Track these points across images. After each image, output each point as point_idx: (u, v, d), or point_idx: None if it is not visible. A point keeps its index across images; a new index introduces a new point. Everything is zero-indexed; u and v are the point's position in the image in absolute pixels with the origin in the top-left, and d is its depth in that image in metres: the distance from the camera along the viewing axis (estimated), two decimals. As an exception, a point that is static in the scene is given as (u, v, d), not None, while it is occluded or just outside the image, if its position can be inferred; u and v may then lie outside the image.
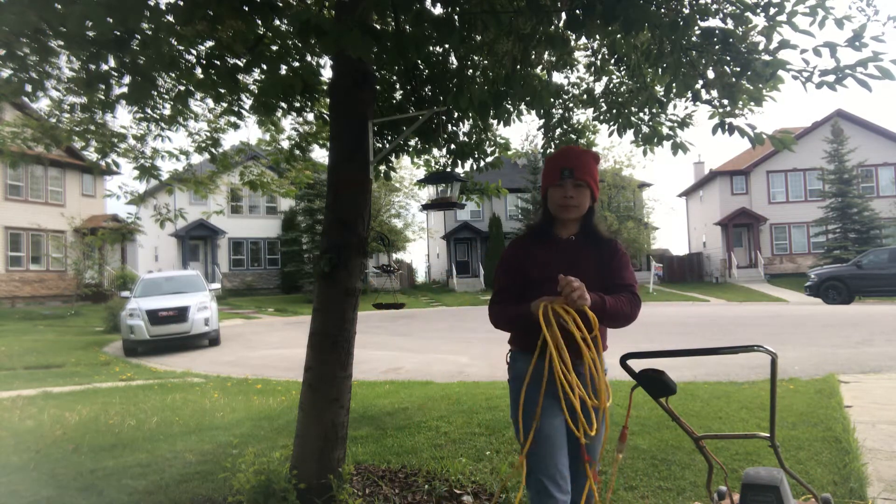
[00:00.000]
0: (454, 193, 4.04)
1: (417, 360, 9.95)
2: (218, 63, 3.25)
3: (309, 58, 3.88)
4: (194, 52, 3.58)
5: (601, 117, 4.44)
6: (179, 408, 6.44)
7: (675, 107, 3.97)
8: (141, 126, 4.91)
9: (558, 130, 4.75)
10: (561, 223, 2.25)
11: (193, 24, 3.04)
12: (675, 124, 4.08)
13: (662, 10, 2.81)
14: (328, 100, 4.01)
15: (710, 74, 3.23)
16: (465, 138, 4.57)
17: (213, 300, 13.76)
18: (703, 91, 3.35)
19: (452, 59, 3.88)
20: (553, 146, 4.76)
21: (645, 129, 4.16)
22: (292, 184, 6.44)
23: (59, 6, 2.46)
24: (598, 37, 3.76)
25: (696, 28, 3.00)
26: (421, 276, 39.24)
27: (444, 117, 4.23)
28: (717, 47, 3.00)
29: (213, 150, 5.45)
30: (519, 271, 2.20)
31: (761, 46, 2.99)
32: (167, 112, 4.70)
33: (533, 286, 2.15)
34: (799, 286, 23.51)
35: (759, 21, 3.00)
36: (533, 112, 4.38)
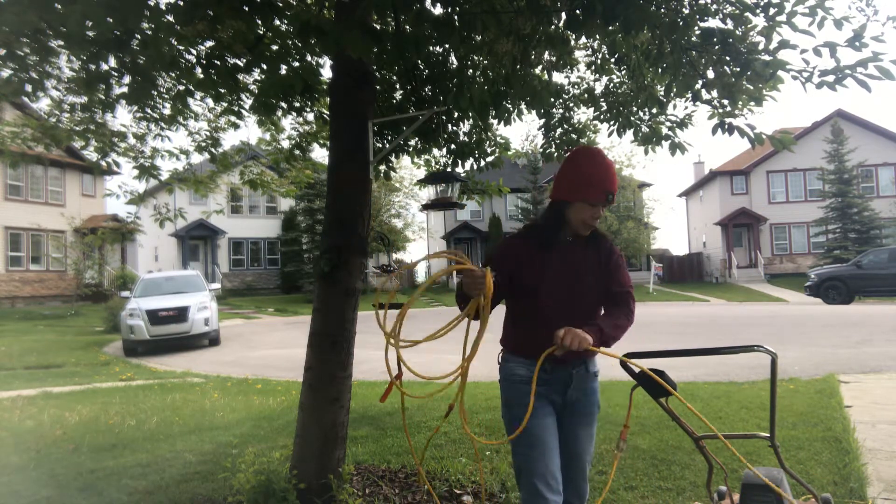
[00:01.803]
0: (454, 193, 4.04)
1: (418, 360, 9.90)
2: (218, 63, 3.25)
3: (309, 58, 3.88)
4: (194, 52, 3.58)
5: (601, 117, 4.44)
6: (179, 408, 6.44)
7: (674, 107, 3.97)
8: (141, 125, 4.91)
9: (558, 130, 4.76)
10: (567, 229, 2.19)
11: (193, 24, 3.04)
12: (674, 124, 4.08)
13: (662, 11, 2.81)
14: (328, 100, 4.01)
15: (710, 74, 3.22)
16: (465, 138, 4.57)
17: (213, 300, 13.76)
18: (702, 91, 3.35)
19: (452, 59, 3.87)
20: (553, 146, 4.76)
21: (644, 128, 4.16)
22: (292, 183, 6.44)
23: (59, 6, 2.46)
24: (598, 37, 3.76)
25: (696, 28, 3.00)
26: (421, 276, 39.22)
27: (444, 117, 4.22)
28: (716, 47, 3.00)
29: (213, 149, 5.45)
30: (511, 269, 2.13)
31: (761, 46, 2.99)
32: (167, 112, 4.70)
33: (527, 290, 2.12)
34: (799, 286, 23.50)
35: (759, 21, 3.00)
36: (533, 112, 4.39)
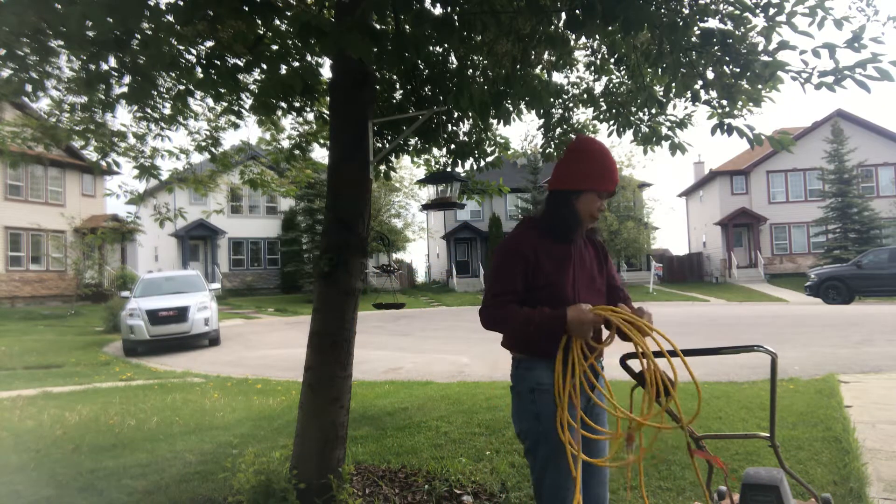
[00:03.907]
0: (454, 193, 4.04)
1: (417, 360, 9.95)
2: (218, 63, 3.24)
3: (309, 58, 3.88)
4: (194, 52, 3.58)
5: (601, 117, 4.44)
6: (179, 408, 6.44)
7: (674, 107, 3.98)
8: (141, 125, 4.91)
9: (558, 130, 4.76)
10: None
11: (193, 24, 3.04)
12: (674, 124, 4.08)
13: (662, 11, 2.81)
14: (328, 99, 4.01)
15: (710, 75, 3.23)
16: (465, 138, 4.58)
17: (213, 300, 13.76)
18: (702, 91, 3.35)
19: (452, 59, 3.88)
20: (553, 146, 4.76)
21: (644, 129, 4.17)
22: (292, 183, 6.44)
23: (59, 6, 2.46)
24: (597, 37, 3.76)
25: (696, 29, 3.01)
26: (421, 276, 39.23)
27: (444, 117, 4.23)
28: (716, 48, 3.00)
29: (213, 149, 5.45)
30: (531, 270, 1.98)
31: (760, 47, 2.99)
32: (167, 111, 4.70)
33: (553, 288, 1.98)
34: (799, 286, 23.50)
35: (759, 22, 3.01)
36: (533, 112, 4.39)
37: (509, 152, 5.13)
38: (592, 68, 4.26)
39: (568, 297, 1.99)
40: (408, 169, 25.39)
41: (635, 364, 2.17)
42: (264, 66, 3.24)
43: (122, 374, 9.52)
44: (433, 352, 10.69)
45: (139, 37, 2.74)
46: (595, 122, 4.63)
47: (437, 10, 2.82)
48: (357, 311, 3.48)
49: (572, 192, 2.05)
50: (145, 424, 5.67)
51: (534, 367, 2.02)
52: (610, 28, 2.72)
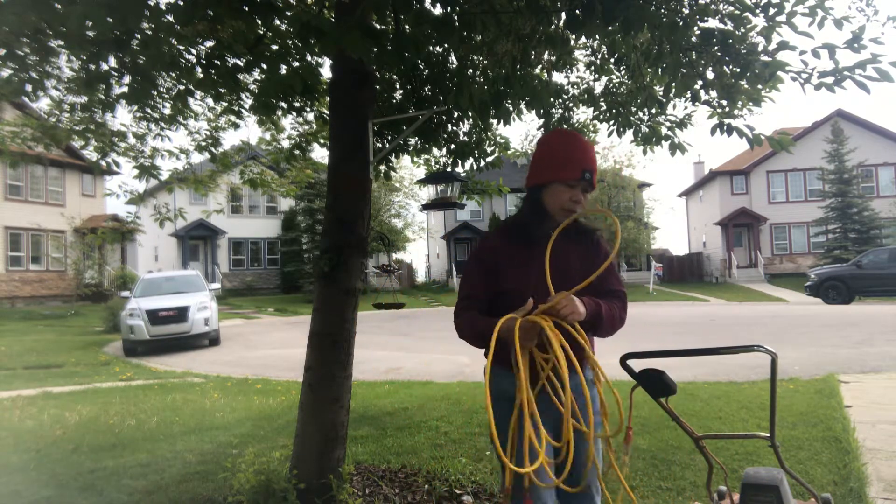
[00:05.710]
0: (454, 193, 4.05)
1: (417, 360, 9.94)
2: (218, 63, 3.25)
3: (309, 58, 3.88)
4: (194, 52, 3.58)
5: (601, 117, 4.44)
6: (179, 408, 6.44)
7: (674, 107, 3.98)
8: (141, 125, 4.91)
9: (558, 130, 4.76)
10: (549, 220, 1.96)
11: (193, 24, 3.04)
12: (674, 124, 4.08)
13: (662, 11, 2.81)
14: (328, 99, 4.01)
15: (710, 75, 3.23)
16: (465, 138, 4.58)
17: (213, 300, 13.76)
18: (702, 91, 3.35)
19: (452, 59, 3.88)
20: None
21: (644, 129, 4.17)
22: (292, 183, 6.44)
23: (59, 6, 2.46)
24: (597, 37, 3.76)
25: (696, 29, 3.01)
26: (421, 276, 39.22)
27: (444, 117, 4.23)
28: (716, 48, 3.00)
29: (213, 149, 5.45)
30: (492, 274, 1.93)
31: (760, 47, 2.99)
32: (167, 111, 4.71)
33: (510, 292, 1.91)
34: (799, 286, 23.50)
35: (759, 22, 3.01)
36: (533, 112, 4.39)
37: (509, 152, 5.13)
38: (592, 68, 4.26)
39: (527, 299, 1.79)
40: (408, 169, 25.44)
41: (636, 364, 2.17)
42: (264, 66, 3.23)
43: (122, 374, 9.52)
44: (433, 352, 10.68)
45: (139, 37, 2.74)
46: (595, 122, 4.63)
47: (437, 10, 2.82)
48: (357, 311, 3.48)
49: (537, 188, 1.96)
50: (145, 424, 5.67)
51: (495, 374, 1.92)
52: (610, 28, 2.72)
